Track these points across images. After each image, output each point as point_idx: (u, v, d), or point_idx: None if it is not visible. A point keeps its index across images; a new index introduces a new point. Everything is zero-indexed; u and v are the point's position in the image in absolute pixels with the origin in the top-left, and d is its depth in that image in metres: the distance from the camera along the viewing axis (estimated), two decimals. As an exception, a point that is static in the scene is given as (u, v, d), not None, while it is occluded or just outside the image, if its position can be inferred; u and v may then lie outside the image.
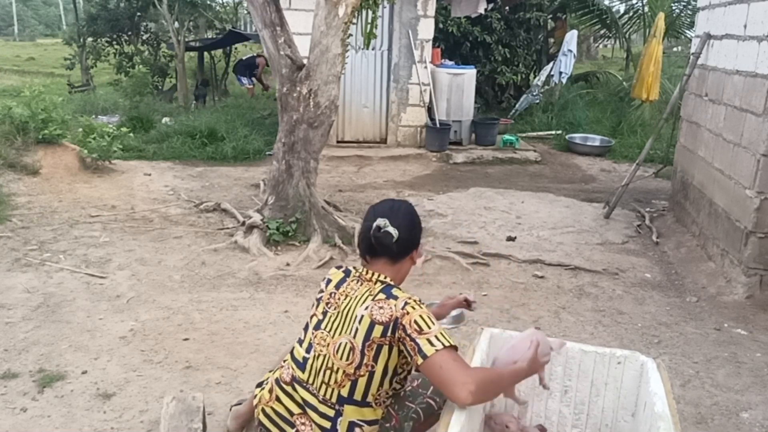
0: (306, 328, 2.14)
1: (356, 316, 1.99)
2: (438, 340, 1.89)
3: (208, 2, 14.82)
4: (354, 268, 2.16)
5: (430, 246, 4.98)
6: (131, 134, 7.55)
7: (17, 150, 6.13)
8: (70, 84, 13.22)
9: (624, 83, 11.21)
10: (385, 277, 2.07)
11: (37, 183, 5.94)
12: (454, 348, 1.90)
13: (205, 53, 13.95)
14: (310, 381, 2.05)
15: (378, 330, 1.95)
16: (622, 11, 12.76)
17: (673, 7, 11.04)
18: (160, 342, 3.40)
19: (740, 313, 3.99)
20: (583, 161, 8.74)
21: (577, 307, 4.05)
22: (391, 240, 2.04)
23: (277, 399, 2.11)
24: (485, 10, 9.21)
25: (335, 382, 1.99)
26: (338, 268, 2.20)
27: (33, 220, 5.24)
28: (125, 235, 5.04)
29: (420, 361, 1.88)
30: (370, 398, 2.00)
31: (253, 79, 12.94)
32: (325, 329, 2.06)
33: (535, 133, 10.02)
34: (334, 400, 2.00)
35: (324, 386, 2.01)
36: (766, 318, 3.94)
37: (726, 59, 4.87)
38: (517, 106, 11.20)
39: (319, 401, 2.02)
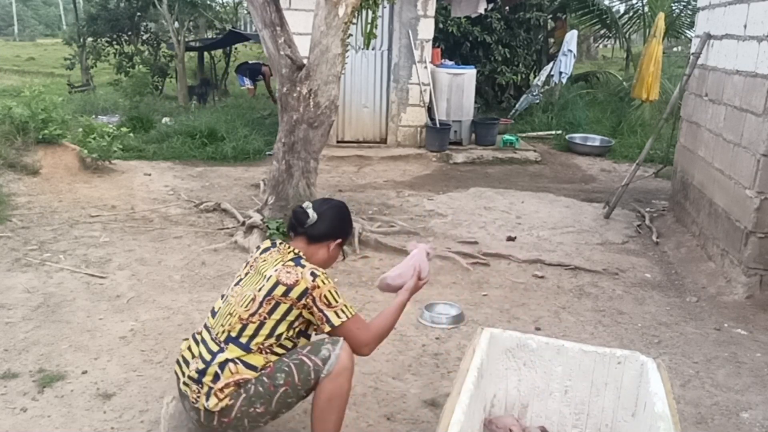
0: (228, 286, 2.47)
1: (266, 276, 2.31)
2: (344, 312, 2.30)
3: (208, 2, 14.83)
4: (279, 241, 2.50)
5: (431, 246, 4.98)
6: (131, 134, 7.55)
7: (17, 150, 6.13)
8: (70, 84, 13.22)
9: (624, 83, 11.21)
10: (299, 251, 2.41)
11: (37, 183, 5.94)
12: (355, 316, 2.33)
13: (205, 53, 13.97)
14: (214, 325, 2.36)
15: (280, 289, 2.25)
16: (622, 11, 12.76)
17: (673, 7, 11.04)
18: (160, 342, 3.40)
19: (740, 313, 3.99)
20: (583, 161, 8.74)
21: (577, 307, 4.05)
22: (306, 220, 2.43)
23: (188, 348, 2.41)
24: (485, 10, 9.21)
25: (230, 324, 2.29)
26: (270, 239, 2.55)
27: (33, 220, 5.24)
28: (125, 235, 5.04)
29: (328, 329, 2.29)
30: (253, 345, 2.25)
31: (255, 81, 12.82)
32: (240, 285, 2.39)
33: (535, 133, 10.02)
34: (222, 338, 2.29)
35: (220, 327, 2.32)
36: (766, 318, 3.94)
37: (726, 59, 4.87)
38: (517, 106, 11.20)
39: (212, 338, 2.32)
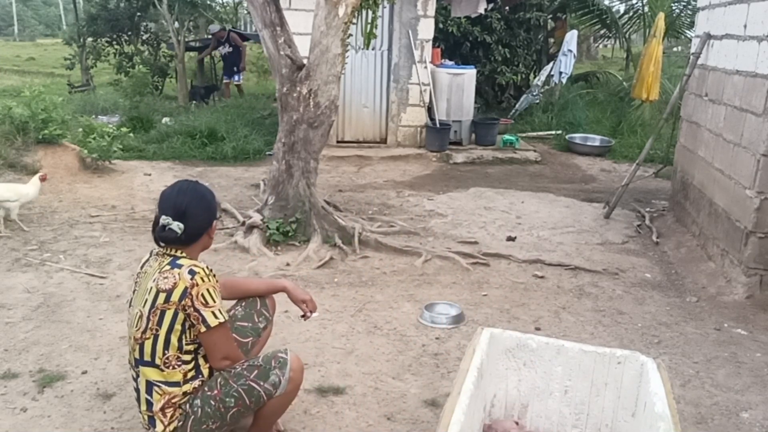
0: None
1: (147, 289, 2.22)
2: (220, 314, 2.21)
3: (208, 2, 14.83)
4: (156, 250, 2.35)
5: (430, 246, 4.98)
6: (131, 134, 7.55)
7: (17, 150, 6.13)
8: (70, 84, 13.21)
9: (624, 83, 11.20)
10: (179, 252, 2.28)
11: (37, 183, 5.93)
12: (227, 322, 2.25)
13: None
14: (129, 350, 2.34)
15: (162, 297, 2.17)
16: (622, 11, 12.76)
17: (673, 7, 11.03)
18: (160, 342, 3.40)
19: (740, 313, 3.99)
20: (583, 161, 8.74)
21: (577, 307, 4.04)
22: (176, 236, 2.24)
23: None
24: (485, 10, 9.21)
25: (132, 347, 2.28)
26: (151, 251, 2.40)
27: (33, 220, 5.24)
28: (125, 235, 5.04)
29: (203, 329, 2.19)
30: (158, 361, 2.22)
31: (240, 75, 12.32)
32: (132, 305, 2.32)
33: (535, 133, 10.02)
34: (133, 362, 2.29)
35: (130, 354, 2.32)
36: (766, 318, 3.94)
37: (726, 59, 4.87)
38: (517, 106, 11.20)
39: (130, 366, 2.33)
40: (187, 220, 2.25)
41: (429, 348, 3.44)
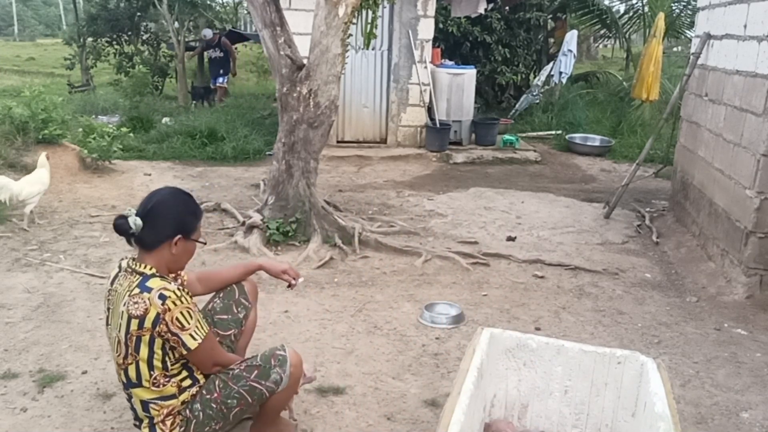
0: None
1: (120, 312, 2.15)
2: (197, 332, 2.16)
3: (208, 2, 14.82)
4: (126, 260, 2.26)
5: (430, 246, 4.98)
6: (131, 134, 7.55)
7: (17, 150, 6.13)
8: (70, 84, 13.21)
9: (624, 83, 11.20)
10: (147, 267, 2.19)
11: (37, 183, 5.92)
12: (208, 335, 2.21)
13: (205, 53, 13.93)
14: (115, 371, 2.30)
15: (134, 323, 2.11)
16: (622, 11, 12.75)
17: (673, 7, 11.03)
18: (160, 342, 3.40)
19: (740, 313, 3.99)
20: (583, 161, 8.74)
21: (577, 307, 4.04)
22: (128, 229, 2.16)
23: None
24: (485, 10, 9.21)
25: (117, 371, 2.25)
26: (120, 261, 2.31)
27: (33, 220, 5.24)
28: (125, 235, 5.03)
29: (184, 352, 2.17)
30: (145, 383, 2.19)
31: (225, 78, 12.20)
32: (109, 325, 2.26)
33: (535, 133, 10.02)
34: (122, 385, 2.26)
35: (117, 375, 2.27)
36: (766, 318, 3.94)
37: (726, 59, 4.87)
38: (517, 106, 11.20)
39: (122, 384, 2.27)
40: (149, 220, 2.17)
41: (429, 348, 3.44)
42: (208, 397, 2.26)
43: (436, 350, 3.42)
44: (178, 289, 2.16)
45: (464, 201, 6.46)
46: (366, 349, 3.39)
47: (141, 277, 2.15)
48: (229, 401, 2.27)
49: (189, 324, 2.13)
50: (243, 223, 5.10)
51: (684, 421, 2.77)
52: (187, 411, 2.25)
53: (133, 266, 2.19)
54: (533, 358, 2.47)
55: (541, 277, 4.50)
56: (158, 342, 2.13)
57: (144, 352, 2.13)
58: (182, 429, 2.24)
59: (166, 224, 2.21)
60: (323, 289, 4.19)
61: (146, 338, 2.12)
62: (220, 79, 12.16)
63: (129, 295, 2.12)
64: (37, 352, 3.25)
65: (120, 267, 2.27)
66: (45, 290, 3.99)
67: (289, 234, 4.95)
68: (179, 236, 2.22)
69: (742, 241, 4.24)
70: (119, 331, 2.15)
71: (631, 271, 4.71)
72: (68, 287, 4.05)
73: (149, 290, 2.11)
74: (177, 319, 2.11)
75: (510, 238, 5.27)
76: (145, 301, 2.09)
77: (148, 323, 2.09)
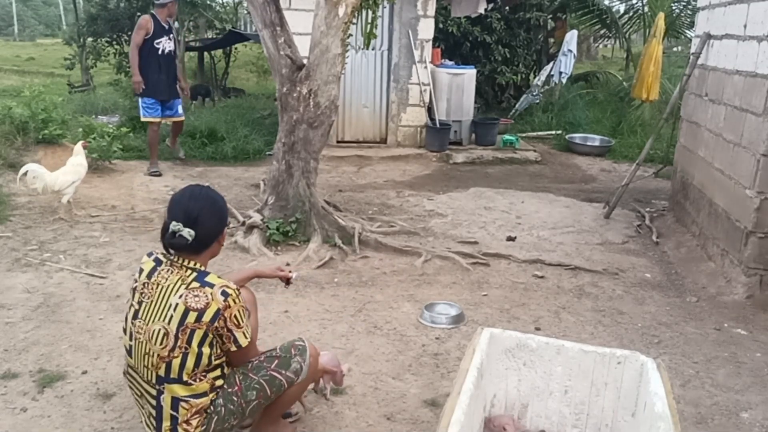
0: (126, 319, 2.28)
1: (170, 305, 2.14)
2: (248, 331, 2.23)
3: (208, 2, 14.81)
4: (164, 255, 2.26)
5: (430, 246, 4.98)
6: (131, 134, 7.55)
7: (17, 150, 6.13)
8: (70, 84, 13.21)
9: (624, 83, 11.20)
10: (196, 264, 2.22)
11: (37, 183, 5.92)
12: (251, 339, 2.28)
13: (205, 53, 13.94)
14: (136, 366, 2.24)
15: (192, 316, 2.12)
16: (622, 11, 12.75)
17: (673, 7, 11.03)
18: (160, 342, 3.40)
19: (740, 313, 3.99)
20: (583, 161, 8.74)
21: (577, 307, 4.04)
22: (186, 242, 2.18)
23: (129, 386, 2.35)
24: (485, 10, 9.22)
25: (152, 365, 2.17)
26: (149, 255, 2.32)
27: (33, 220, 5.24)
28: (125, 235, 5.04)
29: (234, 348, 2.21)
30: (185, 377, 2.17)
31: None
32: (141, 318, 2.20)
33: (535, 133, 10.02)
34: (153, 380, 2.19)
35: (145, 369, 2.20)
36: (766, 318, 3.94)
37: (726, 59, 4.87)
38: (517, 106, 11.20)
39: (145, 382, 2.22)
40: (199, 226, 2.19)
41: (429, 348, 3.44)
42: (229, 390, 2.27)
43: (436, 350, 3.42)
44: (237, 288, 2.21)
45: (464, 201, 6.46)
46: (366, 349, 3.39)
47: (195, 273, 2.20)
48: (248, 393, 2.28)
49: (243, 322, 2.20)
50: (243, 223, 5.10)
51: (684, 421, 2.77)
52: (211, 407, 2.24)
53: (180, 261, 2.22)
54: (533, 358, 2.48)
55: (541, 277, 4.50)
56: (210, 337, 2.16)
57: (195, 343, 2.14)
58: (203, 428, 2.23)
59: (215, 225, 2.29)
60: (323, 289, 4.19)
61: (200, 332, 2.13)
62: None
63: (186, 288, 2.15)
64: (37, 352, 3.25)
65: (157, 261, 2.26)
66: (45, 290, 3.99)
67: (289, 234, 4.95)
68: (225, 229, 2.36)
69: (742, 241, 4.24)
70: (168, 322, 2.13)
71: (631, 271, 4.71)
72: (68, 287, 4.05)
73: (211, 286, 2.16)
74: (235, 316, 2.17)
75: (510, 238, 5.27)
76: (207, 296, 2.13)
77: (206, 317, 2.12)
